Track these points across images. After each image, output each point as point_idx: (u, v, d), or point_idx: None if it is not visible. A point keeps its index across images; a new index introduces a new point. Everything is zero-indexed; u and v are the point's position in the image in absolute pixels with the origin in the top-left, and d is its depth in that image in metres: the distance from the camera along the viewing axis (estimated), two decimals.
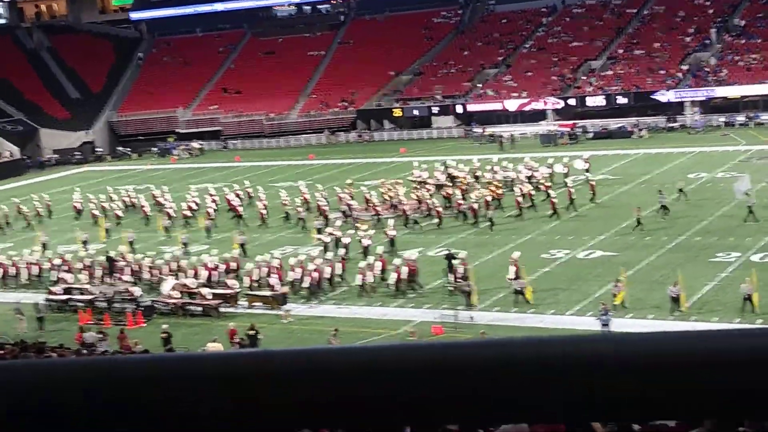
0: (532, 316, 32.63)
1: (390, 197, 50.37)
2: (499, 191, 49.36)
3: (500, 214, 46.86)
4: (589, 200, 48.10)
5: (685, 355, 1.45)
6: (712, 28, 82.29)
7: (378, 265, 37.63)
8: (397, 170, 63.40)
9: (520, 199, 47.05)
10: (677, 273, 33.09)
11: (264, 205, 50.82)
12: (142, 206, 54.79)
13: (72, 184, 68.59)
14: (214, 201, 53.11)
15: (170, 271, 40.38)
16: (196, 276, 39.55)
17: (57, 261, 43.38)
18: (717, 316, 30.47)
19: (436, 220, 46.66)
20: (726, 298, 32.30)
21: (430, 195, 49.74)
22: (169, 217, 52.08)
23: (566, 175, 51.63)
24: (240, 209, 51.70)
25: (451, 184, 51.85)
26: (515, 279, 34.38)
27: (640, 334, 1.49)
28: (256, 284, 38.14)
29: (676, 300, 31.41)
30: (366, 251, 40.06)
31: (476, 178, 53.84)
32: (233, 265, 40.45)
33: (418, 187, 52.04)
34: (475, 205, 46.14)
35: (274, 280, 37.48)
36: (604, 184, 49.96)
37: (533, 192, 48.46)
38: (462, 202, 47.34)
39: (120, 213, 55.03)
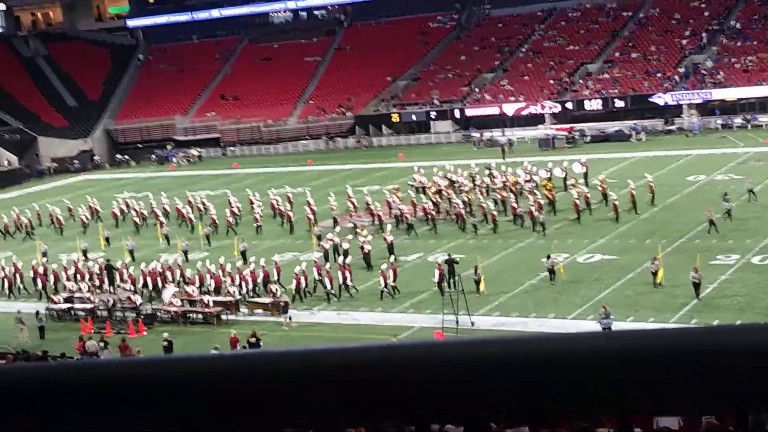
0: (533, 320, 32.67)
1: (435, 202, 49.88)
2: (552, 193, 49.01)
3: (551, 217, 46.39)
4: (648, 203, 46.96)
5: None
6: (708, 30, 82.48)
7: (314, 270, 38.25)
8: (396, 175, 63.45)
9: (578, 201, 46.37)
10: (695, 258, 34.12)
11: (312, 210, 50.42)
12: (180, 212, 54.59)
13: (71, 192, 68.47)
14: (259, 206, 52.97)
15: (171, 278, 40.43)
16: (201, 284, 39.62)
17: (57, 269, 43.32)
18: (718, 319, 30.50)
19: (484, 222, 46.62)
20: (726, 301, 32.37)
21: (476, 199, 49.35)
22: (213, 223, 51.62)
23: (584, 175, 52.42)
24: (291, 213, 51.10)
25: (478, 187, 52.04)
26: (547, 258, 36.51)
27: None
28: (201, 289, 38.76)
29: (697, 285, 32.37)
30: (367, 257, 40.04)
31: (474, 183, 53.71)
32: (177, 272, 40.90)
33: (464, 191, 51.65)
34: (533, 209, 45.11)
35: (275, 286, 37.55)
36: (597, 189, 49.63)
37: (589, 195, 47.70)
38: (516, 205, 46.88)
39: (163, 219, 54.27)
